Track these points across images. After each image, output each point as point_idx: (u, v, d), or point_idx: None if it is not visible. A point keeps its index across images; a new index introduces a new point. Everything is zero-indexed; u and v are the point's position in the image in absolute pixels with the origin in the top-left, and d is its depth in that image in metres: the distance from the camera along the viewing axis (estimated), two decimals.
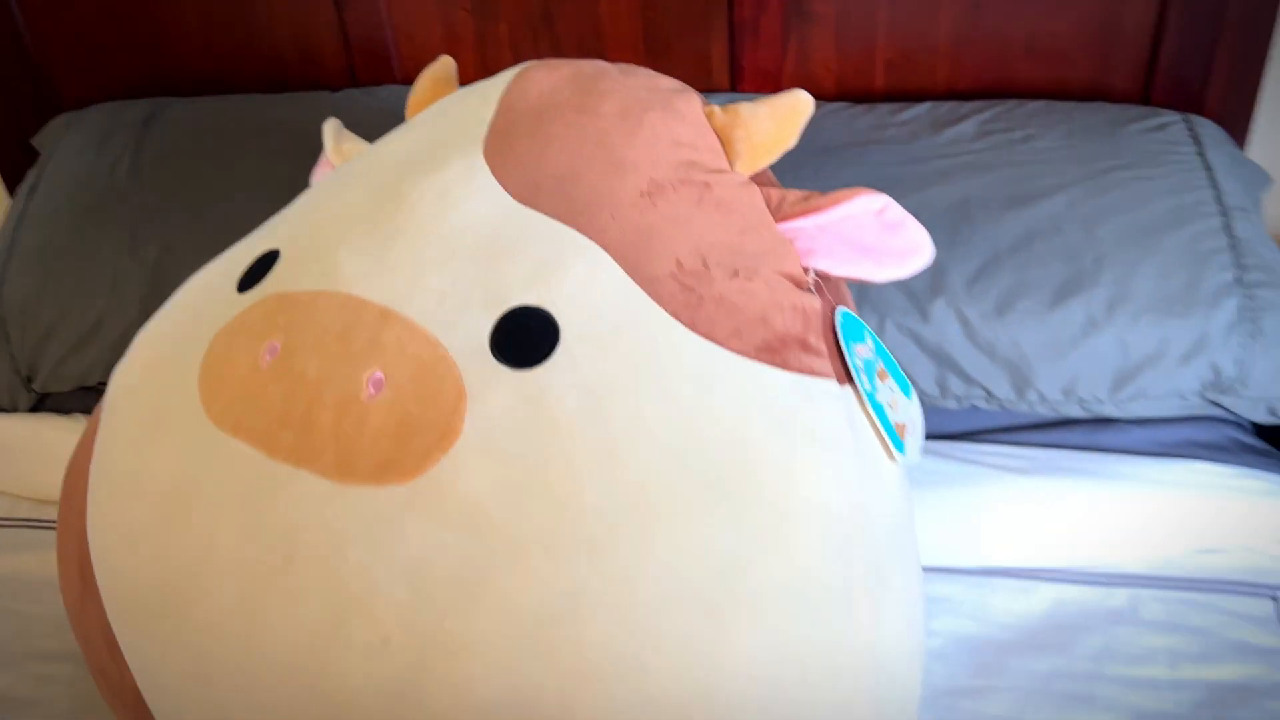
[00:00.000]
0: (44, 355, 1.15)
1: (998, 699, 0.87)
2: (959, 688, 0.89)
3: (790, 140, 0.74)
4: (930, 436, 0.96)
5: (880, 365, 0.72)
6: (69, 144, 1.30)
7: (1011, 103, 1.22)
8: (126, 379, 0.80)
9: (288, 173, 1.20)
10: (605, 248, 0.66)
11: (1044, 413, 1.04)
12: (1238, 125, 1.25)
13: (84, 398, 1.19)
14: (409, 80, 1.36)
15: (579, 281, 0.64)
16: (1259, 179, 1.14)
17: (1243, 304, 0.98)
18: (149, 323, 0.84)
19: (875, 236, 0.71)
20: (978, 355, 1.01)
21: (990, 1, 1.23)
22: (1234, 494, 0.98)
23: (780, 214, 0.71)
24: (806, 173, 1.02)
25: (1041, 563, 0.97)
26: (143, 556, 0.68)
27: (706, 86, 1.31)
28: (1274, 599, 0.93)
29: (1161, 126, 1.14)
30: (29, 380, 1.17)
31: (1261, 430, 1.08)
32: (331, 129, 0.93)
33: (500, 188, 0.69)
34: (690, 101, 0.75)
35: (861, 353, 0.71)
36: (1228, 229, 1.02)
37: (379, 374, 0.64)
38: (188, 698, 0.66)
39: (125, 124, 1.30)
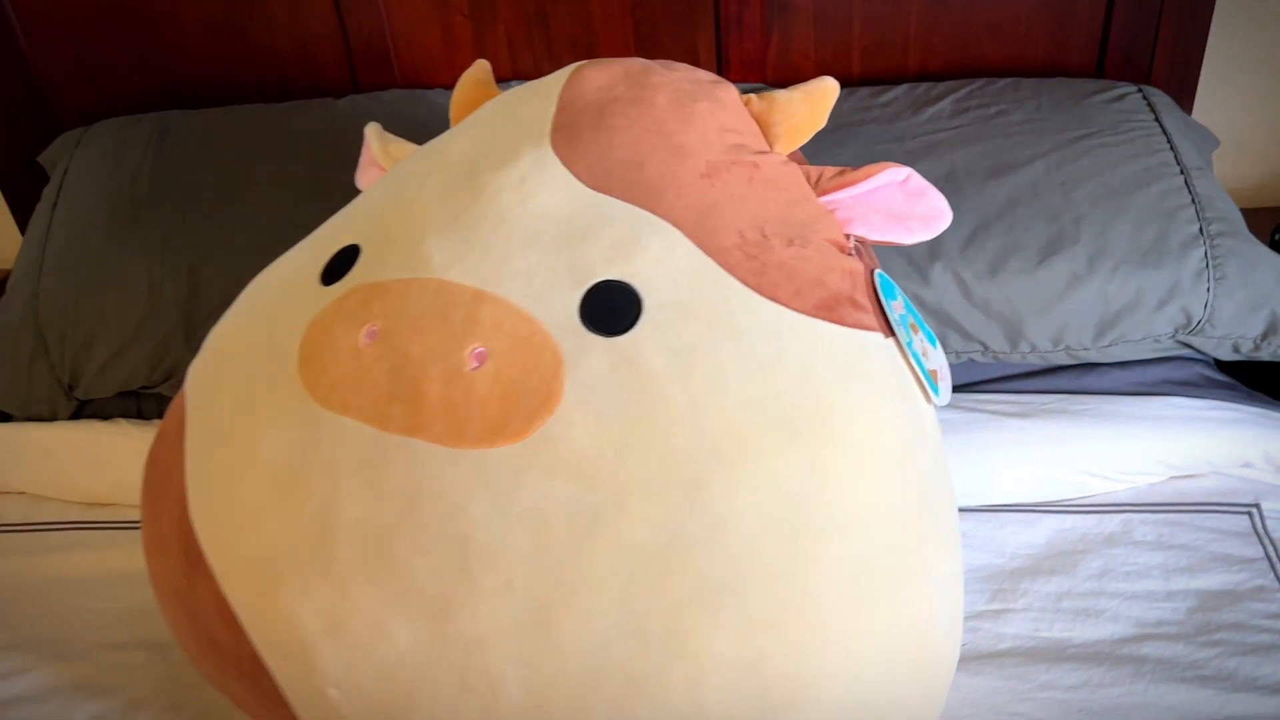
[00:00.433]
0: (86, 363, 1.19)
1: (1015, 619, 0.97)
2: (979, 612, 0.98)
3: (821, 122, 0.83)
4: None
5: (911, 319, 0.81)
6: (84, 159, 1.33)
7: (980, 81, 1.32)
8: (210, 373, 0.84)
9: (304, 176, 1.26)
10: (675, 224, 0.73)
11: (1035, 362, 1.14)
12: (1184, 93, 1.37)
13: (123, 403, 1.24)
14: (409, 84, 1.42)
15: (655, 256, 0.72)
16: (1208, 141, 1.26)
17: (1208, 253, 1.09)
18: (222, 320, 0.89)
19: (902, 204, 0.80)
20: (974, 313, 1.10)
21: None
22: (1206, 424, 1.08)
23: (819, 188, 0.80)
24: (804, 152, 1.11)
25: (1042, 497, 1.07)
26: (263, 530, 0.73)
27: None
28: (1249, 514, 1.04)
29: (1120, 97, 1.25)
30: (70, 388, 1.21)
31: (1224, 366, 1.19)
32: (375, 132, 0.98)
33: (572, 176, 0.76)
34: (729, 91, 0.84)
35: (896, 309, 0.79)
36: (1189, 186, 1.13)
37: (480, 348, 0.70)
38: (316, 653, 0.71)
39: (137, 138, 1.33)
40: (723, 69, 1.39)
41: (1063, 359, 1.13)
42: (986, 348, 1.12)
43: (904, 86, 1.32)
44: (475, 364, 0.70)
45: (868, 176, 0.79)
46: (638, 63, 0.84)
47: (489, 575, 0.67)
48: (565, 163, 0.77)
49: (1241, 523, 1.04)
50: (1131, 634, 0.94)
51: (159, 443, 0.86)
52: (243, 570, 0.74)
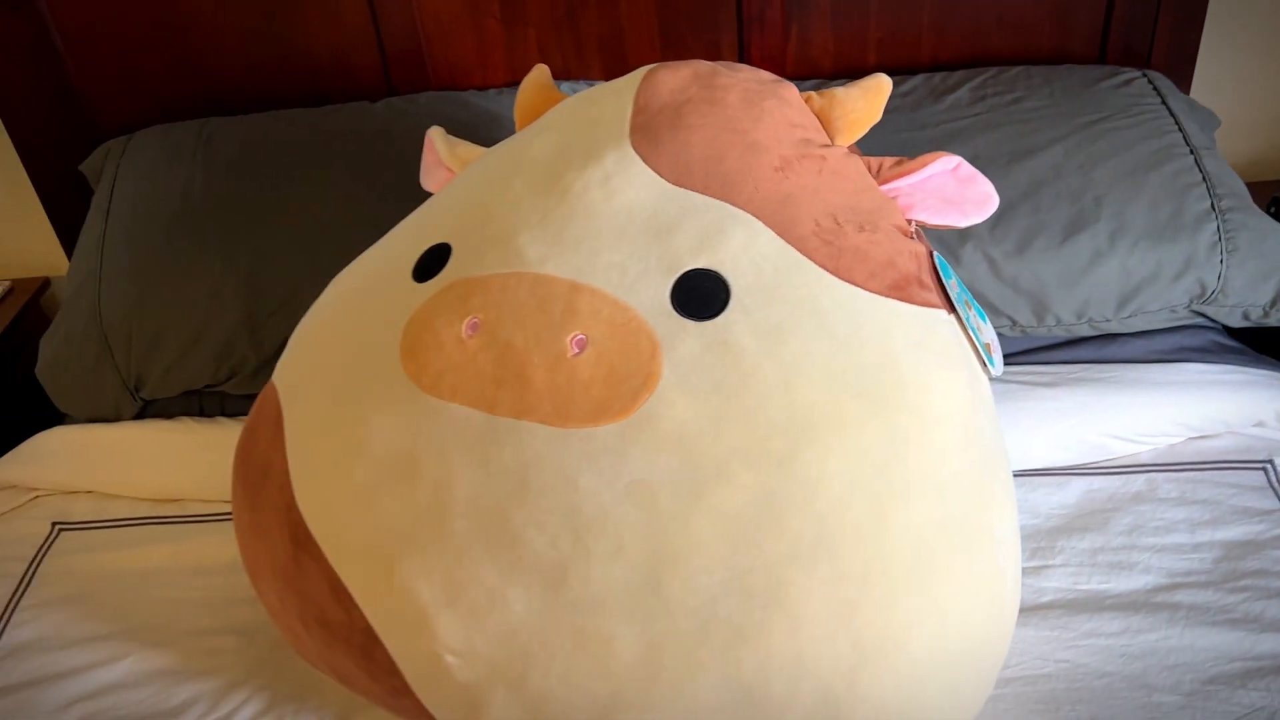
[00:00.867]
0: (151, 365, 1.23)
1: (1054, 575, 1.04)
2: (1021, 569, 1.04)
3: (877, 115, 0.89)
4: None
5: (965, 297, 0.88)
6: (133, 166, 1.36)
7: (994, 70, 1.38)
8: (304, 369, 0.89)
9: (345, 177, 1.31)
10: (755, 215, 0.79)
11: (1059, 334, 1.21)
12: (1182, 77, 1.44)
13: (185, 401, 1.28)
14: (443, 86, 1.47)
15: (739, 245, 0.78)
16: (1211, 121, 1.33)
17: (1220, 227, 1.16)
18: (309, 318, 0.93)
19: (955, 189, 0.87)
20: (1003, 289, 1.17)
21: None
22: (1221, 387, 1.16)
23: (880, 177, 0.86)
24: None
25: (1070, 460, 1.14)
26: (377, 511, 0.78)
27: None
28: (1264, 470, 1.11)
29: (1127, 82, 1.32)
30: (136, 389, 1.25)
31: (1233, 332, 1.27)
32: (440, 135, 1.03)
33: (654, 173, 0.82)
34: (791, 89, 0.90)
35: (953, 287, 0.86)
36: (1199, 165, 1.20)
37: (581, 335, 0.76)
38: (434, 623, 0.76)
39: (183, 144, 1.37)
40: (744, 63, 1.45)
41: (1085, 330, 1.20)
42: (1015, 322, 1.19)
43: (921, 76, 1.39)
44: (576, 350, 0.76)
45: (923, 165, 0.86)
46: (704, 65, 0.90)
47: (601, 542, 0.72)
48: (647, 161, 0.82)
49: (1258, 478, 1.11)
50: (1164, 583, 1.01)
51: (249, 437, 0.90)
52: (358, 550, 0.79)
